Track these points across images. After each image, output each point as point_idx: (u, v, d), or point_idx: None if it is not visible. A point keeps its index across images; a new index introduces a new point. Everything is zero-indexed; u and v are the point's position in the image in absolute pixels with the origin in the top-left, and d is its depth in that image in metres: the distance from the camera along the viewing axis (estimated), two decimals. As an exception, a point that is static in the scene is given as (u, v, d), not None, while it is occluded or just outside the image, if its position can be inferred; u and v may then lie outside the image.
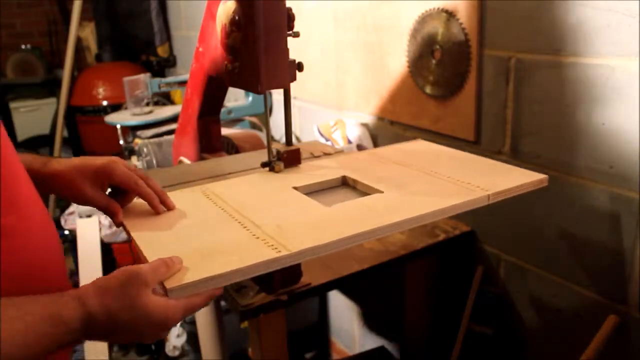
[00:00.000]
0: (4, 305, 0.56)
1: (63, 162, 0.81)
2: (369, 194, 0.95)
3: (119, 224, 0.84)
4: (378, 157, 1.15)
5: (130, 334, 0.64)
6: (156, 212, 0.86)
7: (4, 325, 0.54)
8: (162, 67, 3.48)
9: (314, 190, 1.01)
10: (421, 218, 0.84)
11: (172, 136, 1.66)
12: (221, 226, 0.83)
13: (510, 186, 0.95)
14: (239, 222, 0.83)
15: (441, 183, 0.97)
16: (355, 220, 0.82)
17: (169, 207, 0.88)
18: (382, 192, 0.94)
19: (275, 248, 0.74)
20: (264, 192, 0.98)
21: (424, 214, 0.84)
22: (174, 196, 0.91)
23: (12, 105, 4.14)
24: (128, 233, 0.82)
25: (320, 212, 0.87)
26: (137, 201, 0.88)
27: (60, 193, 0.83)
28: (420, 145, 1.25)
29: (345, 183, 1.04)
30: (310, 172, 1.08)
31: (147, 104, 2.13)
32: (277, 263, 0.72)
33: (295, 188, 0.99)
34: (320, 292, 1.17)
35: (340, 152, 1.33)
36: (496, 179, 0.98)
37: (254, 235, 0.78)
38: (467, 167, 1.06)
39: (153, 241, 0.78)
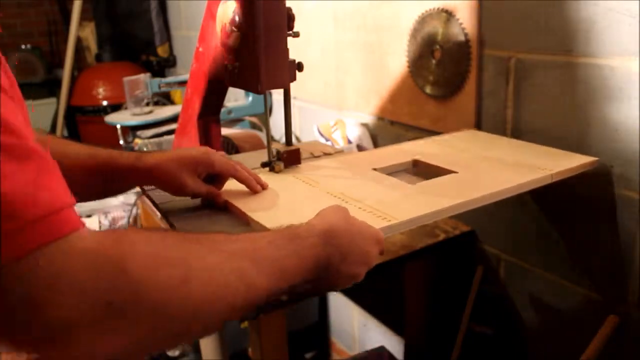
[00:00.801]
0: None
1: (157, 156, 0.86)
2: (443, 175, 1.00)
3: (222, 203, 0.90)
4: (421, 148, 1.18)
5: (358, 250, 0.67)
6: (255, 192, 0.93)
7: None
8: (162, 67, 3.48)
9: (389, 172, 1.05)
10: (505, 191, 0.91)
11: (172, 136, 1.66)
12: (324, 200, 0.88)
13: (569, 167, 1.01)
14: (337, 197, 0.88)
15: (502, 165, 1.03)
16: (445, 194, 0.88)
17: (264, 187, 0.95)
18: (456, 172, 0.99)
19: (385, 218, 0.79)
20: (342, 172, 1.03)
21: (506, 187, 0.91)
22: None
23: (12, 105, 4.14)
24: (240, 213, 0.87)
25: (410, 189, 0.92)
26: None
27: (159, 184, 0.88)
28: (467, 135, 1.29)
29: (415, 166, 1.09)
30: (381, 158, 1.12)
31: (147, 104, 2.13)
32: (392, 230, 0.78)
33: (375, 169, 1.03)
34: (320, 292, 1.17)
35: (340, 152, 1.33)
36: (552, 161, 1.04)
37: (360, 207, 0.83)
38: (517, 151, 1.12)
39: (271, 217, 0.83)
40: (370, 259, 0.70)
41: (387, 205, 0.84)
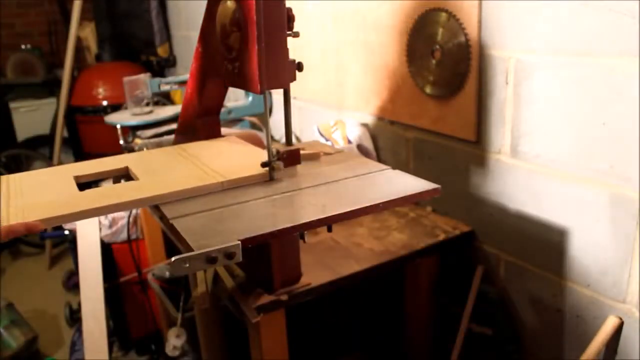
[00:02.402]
0: None
1: None
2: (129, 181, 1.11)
3: None
4: (179, 151, 1.28)
5: None
6: None
7: None
8: (162, 67, 3.48)
9: (97, 179, 1.15)
10: (143, 201, 0.99)
11: (172, 136, 1.66)
12: None
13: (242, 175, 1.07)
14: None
15: (198, 172, 1.09)
16: (88, 201, 0.96)
17: None
18: (138, 179, 1.08)
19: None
20: (47, 182, 1.09)
21: (145, 197, 0.99)
22: None
23: (12, 105, 4.14)
24: None
25: (73, 194, 1.01)
26: None
27: None
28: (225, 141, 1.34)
29: (124, 175, 1.18)
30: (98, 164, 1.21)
31: (147, 104, 2.13)
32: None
33: (76, 177, 1.10)
34: (320, 292, 1.17)
35: (340, 152, 1.33)
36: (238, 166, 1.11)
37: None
38: (234, 158, 1.19)
39: None
40: None
41: (32, 210, 0.91)
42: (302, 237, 1.10)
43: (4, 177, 1.11)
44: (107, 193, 1.00)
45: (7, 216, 0.89)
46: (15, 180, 1.11)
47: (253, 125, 2.11)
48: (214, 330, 1.52)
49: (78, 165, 1.20)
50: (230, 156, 1.20)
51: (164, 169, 1.14)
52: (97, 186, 1.08)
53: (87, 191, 1.03)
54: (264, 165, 1.10)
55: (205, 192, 1.03)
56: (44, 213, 0.90)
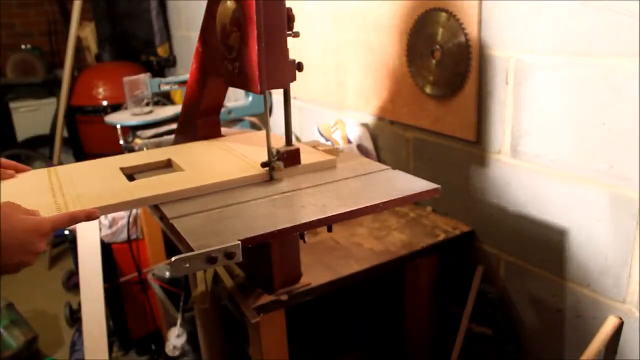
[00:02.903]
0: None
1: None
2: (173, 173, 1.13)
3: None
4: (214, 143, 1.32)
5: (16, 242, 0.76)
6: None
7: None
8: (162, 67, 3.48)
9: (140, 171, 1.17)
10: (213, 186, 1.03)
11: (172, 136, 1.66)
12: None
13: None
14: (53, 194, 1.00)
15: (240, 164, 1.13)
16: (141, 190, 0.99)
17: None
18: (183, 170, 1.11)
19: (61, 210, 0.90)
20: (94, 173, 1.13)
21: (213, 182, 1.02)
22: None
23: (12, 105, 4.14)
24: None
25: (123, 184, 1.04)
26: None
27: None
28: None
29: (169, 165, 1.20)
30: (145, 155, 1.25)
31: (147, 104, 2.12)
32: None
33: (122, 168, 1.13)
34: (320, 292, 1.17)
35: (340, 151, 1.33)
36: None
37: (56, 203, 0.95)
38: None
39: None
40: (34, 248, 0.79)
41: (87, 199, 0.95)
42: (302, 237, 1.10)
43: (48, 170, 1.15)
44: (157, 183, 1.04)
45: (64, 204, 0.92)
46: (62, 171, 1.14)
47: (253, 125, 2.11)
48: (214, 330, 1.52)
49: (121, 157, 1.24)
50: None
51: (206, 161, 1.17)
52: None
53: (138, 181, 1.07)
54: (264, 165, 1.10)
55: (250, 182, 1.06)
56: (100, 202, 0.93)
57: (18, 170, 1.11)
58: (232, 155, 1.20)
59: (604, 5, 1.02)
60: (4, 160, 1.10)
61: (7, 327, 2.44)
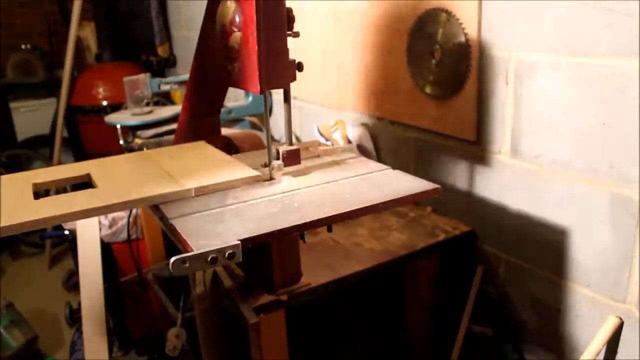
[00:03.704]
0: None
1: None
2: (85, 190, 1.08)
3: None
4: (144, 157, 1.26)
5: None
6: None
7: None
8: (162, 67, 3.48)
9: (59, 185, 1.13)
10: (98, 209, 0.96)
11: (172, 136, 1.66)
12: None
13: (211, 182, 1.04)
14: None
15: (161, 181, 1.07)
16: (43, 209, 0.93)
17: None
18: (97, 187, 1.06)
19: None
20: (6, 188, 1.07)
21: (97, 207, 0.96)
22: None
23: (12, 105, 4.14)
24: None
25: (27, 203, 0.98)
26: None
27: None
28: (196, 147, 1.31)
29: (88, 181, 1.15)
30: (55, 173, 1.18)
31: (147, 104, 2.13)
32: None
33: (35, 185, 1.08)
34: (320, 292, 1.17)
35: (340, 151, 1.33)
36: (216, 176, 1.07)
37: None
38: (202, 165, 1.16)
39: None
40: None
41: None
42: (302, 237, 1.10)
43: None
44: (62, 201, 0.97)
45: None
46: None
47: (253, 125, 2.11)
48: (214, 330, 1.51)
49: (39, 172, 1.18)
50: (196, 162, 1.18)
51: (125, 177, 1.11)
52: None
53: (42, 199, 1.00)
54: (264, 165, 1.10)
55: (166, 200, 1.00)
56: None
57: None
58: (156, 170, 1.14)
59: (604, 5, 1.02)
60: None
61: (7, 327, 2.44)
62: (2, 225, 0.88)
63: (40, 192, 1.08)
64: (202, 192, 1.02)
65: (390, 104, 1.63)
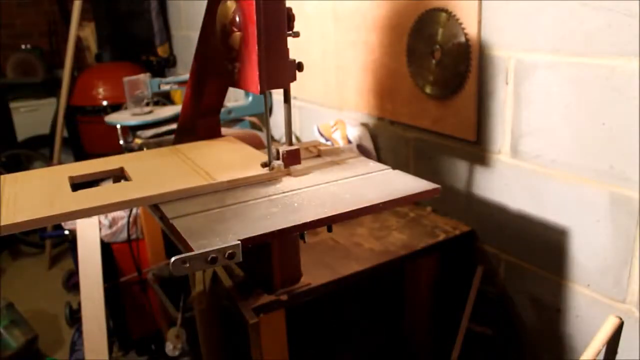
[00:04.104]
0: None
1: None
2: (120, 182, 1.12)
3: None
4: (173, 151, 1.28)
5: None
6: None
7: None
8: (162, 67, 3.49)
9: (89, 180, 1.15)
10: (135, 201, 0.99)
11: (172, 136, 1.66)
12: None
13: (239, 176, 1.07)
14: None
15: (192, 174, 1.10)
16: (82, 201, 0.97)
17: None
18: (131, 180, 1.08)
19: None
20: (43, 182, 1.10)
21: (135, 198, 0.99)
22: None
23: (12, 105, 4.14)
24: None
25: (65, 195, 1.01)
26: None
27: None
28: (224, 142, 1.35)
29: (119, 174, 1.18)
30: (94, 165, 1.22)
31: (147, 104, 2.13)
32: None
33: (71, 177, 1.11)
34: (320, 292, 1.17)
35: (341, 151, 1.33)
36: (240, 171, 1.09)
37: None
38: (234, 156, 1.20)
39: None
40: None
41: (23, 210, 0.92)
42: (302, 237, 1.10)
43: (3, 177, 1.12)
44: (100, 193, 1.00)
45: (6, 215, 0.90)
46: (11, 180, 1.12)
47: (253, 125, 2.11)
48: (214, 330, 1.51)
49: (74, 166, 1.21)
50: (227, 157, 1.20)
51: (157, 171, 1.14)
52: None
53: (80, 192, 1.03)
54: (264, 165, 1.10)
55: (199, 193, 1.02)
56: (35, 213, 0.91)
57: None
58: (187, 164, 1.17)
59: (604, 5, 1.02)
60: None
61: (7, 327, 2.44)
62: (49, 214, 0.91)
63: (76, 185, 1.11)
64: (234, 185, 1.05)
65: (390, 104, 1.63)
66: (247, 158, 1.19)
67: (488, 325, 1.39)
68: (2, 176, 1.13)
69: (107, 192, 1.00)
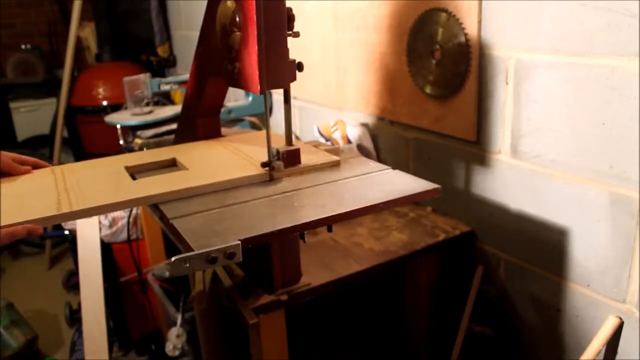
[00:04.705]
0: None
1: None
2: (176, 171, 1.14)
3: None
4: (219, 142, 1.32)
5: None
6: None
7: None
8: (162, 67, 3.48)
9: (144, 170, 1.18)
10: (214, 185, 1.03)
11: (172, 136, 1.66)
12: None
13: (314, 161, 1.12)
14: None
15: (244, 163, 1.14)
16: (146, 189, 1.00)
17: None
18: (187, 169, 1.12)
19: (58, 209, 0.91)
20: (99, 172, 1.14)
21: (214, 182, 1.03)
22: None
23: (12, 105, 4.14)
24: None
25: (128, 183, 1.05)
26: None
27: None
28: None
29: (174, 164, 1.21)
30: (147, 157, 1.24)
31: (147, 104, 2.12)
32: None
33: (127, 167, 1.14)
34: (320, 292, 1.17)
35: (341, 151, 1.33)
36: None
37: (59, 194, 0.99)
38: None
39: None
40: None
41: (81, 197, 0.97)
42: (302, 237, 1.10)
43: (52, 169, 1.16)
44: (161, 181, 1.04)
45: (67, 203, 0.94)
46: (68, 170, 1.15)
47: (253, 125, 2.11)
48: (214, 330, 1.51)
49: (125, 157, 1.25)
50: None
51: (210, 160, 1.18)
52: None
53: (141, 179, 1.08)
54: (264, 165, 1.10)
55: (254, 181, 1.06)
56: (104, 199, 0.95)
57: (39, 166, 1.15)
58: (236, 155, 1.20)
59: (603, 5, 1.02)
60: (24, 157, 1.13)
61: (7, 327, 2.44)
62: (109, 202, 0.94)
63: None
64: (289, 173, 1.09)
65: (390, 104, 1.63)
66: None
67: (488, 325, 1.39)
68: (52, 167, 1.16)
69: (168, 180, 1.05)
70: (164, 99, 2.74)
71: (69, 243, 2.37)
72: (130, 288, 2.31)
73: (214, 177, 1.05)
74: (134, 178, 1.09)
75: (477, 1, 1.26)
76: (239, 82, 1.04)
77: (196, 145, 1.32)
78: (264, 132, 1.36)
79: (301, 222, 0.89)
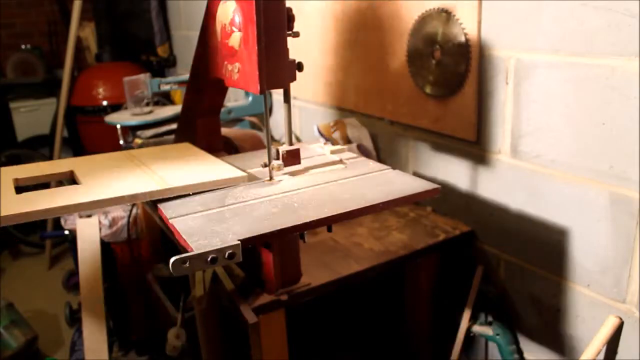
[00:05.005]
0: None
1: None
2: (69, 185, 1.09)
3: None
4: (130, 156, 1.27)
5: None
6: None
7: None
8: (162, 67, 3.48)
9: (42, 181, 1.14)
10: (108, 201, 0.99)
11: (172, 136, 1.66)
12: None
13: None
14: None
15: (146, 178, 1.08)
16: (25, 204, 0.94)
17: None
18: (80, 184, 1.07)
19: None
20: None
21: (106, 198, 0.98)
22: None
23: (12, 105, 4.14)
24: None
25: (9, 196, 0.99)
26: None
27: None
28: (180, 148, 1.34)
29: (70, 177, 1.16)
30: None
31: (147, 104, 2.12)
32: None
33: (15, 180, 1.11)
34: (320, 292, 1.17)
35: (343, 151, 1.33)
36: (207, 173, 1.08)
37: None
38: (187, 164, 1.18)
39: None
40: None
41: None
42: (302, 237, 1.10)
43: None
44: (45, 196, 0.98)
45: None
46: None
47: (253, 125, 2.11)
48: (214, 330, 1.51)
49: (24, 167, 1.20)
50: (184, 164, 1.18)
51: (109, 175, 1.12)
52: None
53: (24, 194, 1.01)
54: (264, 165, 1.10)
55: (151, 198, 1.00)
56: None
57: None
58: (140, 170, 1.14)
59: (603, 5, 1.02)
60: None
61: (7, 327, 2.44)
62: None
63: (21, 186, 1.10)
64: (181, 192, 1.04)
65: (390, 104, 1.63)
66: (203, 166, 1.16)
67: (488, 325, 1.39)
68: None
69: (54, 195, 0.98)
70: (164, 99, 2.74)
71: (69, 243, 2.37)
72: (130, 288, 2.31)
73: (105, 193, 0.99)
74: (19, 191, 1.04)
75: (477, 1, 1.26)
76: (239, 82, 1.04)
77: (98, 158, 1.27)
78: (183, 144, 1.34)
79: (301, 222, 0.89)
